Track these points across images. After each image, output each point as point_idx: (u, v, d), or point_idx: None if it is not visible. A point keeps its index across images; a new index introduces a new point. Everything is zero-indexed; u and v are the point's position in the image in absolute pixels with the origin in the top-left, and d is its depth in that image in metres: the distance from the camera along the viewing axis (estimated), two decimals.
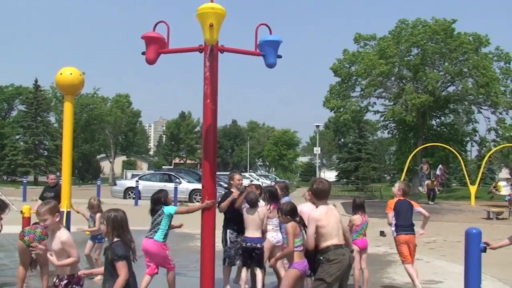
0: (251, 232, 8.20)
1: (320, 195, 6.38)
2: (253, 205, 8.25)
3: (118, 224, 5.26)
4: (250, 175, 54.05)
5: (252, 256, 8.16)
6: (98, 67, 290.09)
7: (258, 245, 8.14)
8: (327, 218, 6.15)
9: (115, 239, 5.20)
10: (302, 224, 6.48)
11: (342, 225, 6.35)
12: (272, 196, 8.48)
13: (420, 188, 35.06)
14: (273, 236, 8.36)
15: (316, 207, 6.40)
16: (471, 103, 42.57)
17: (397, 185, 9.40)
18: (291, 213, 6.55)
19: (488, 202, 32.38)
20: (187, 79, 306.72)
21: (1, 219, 8.44)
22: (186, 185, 30.78)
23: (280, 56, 7.58)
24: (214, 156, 7.84)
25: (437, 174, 34.55)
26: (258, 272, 8.16)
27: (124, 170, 73.95)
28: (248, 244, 8.16)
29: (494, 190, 33.76)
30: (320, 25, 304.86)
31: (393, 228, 8.96)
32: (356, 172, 56.60)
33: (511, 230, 15.97)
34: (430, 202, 31.67)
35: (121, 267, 5.08)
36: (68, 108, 9.36)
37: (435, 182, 32.83)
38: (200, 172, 39.39)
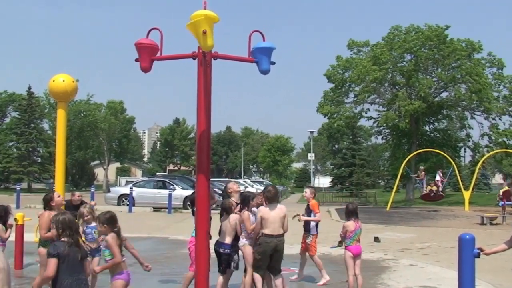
0: (222, 238, 8.38)
1: (270, 199, 8.10)
2: (226, 212, 8.41)
3: (67, 226, 5.40)
4: (245, 181, 53.98)
5: (221, 260, 8.35)
6: (92, 74, 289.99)
7: (227, 251, 8.28)
8: (269, 213, 7.94)
9: (62, 239, 5.37)
10: (118, 233, 6.49)
11: (284, 221, 8.07)
12: (244, 202, 8.53)
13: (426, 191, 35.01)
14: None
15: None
16: (464, 109, 42.78)
17: (308, 190, 10.29)
18: (109, 221, 6.46)
19: (482, 207, 32.44)
20: (181, 85, 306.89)
21: (11, 226, 8.42)
22: (180, 192, 30.69)
23: (273, 63, 7.60)
24: (208, 162, 7.83)
25: (437, 180, 34.60)
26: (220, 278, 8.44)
27: (118, 177, 73.74)
28: (220, 249, 8.32)
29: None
30: (314, 32, 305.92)
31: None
32: (350, 178, 56.69)
33: (505, 235, 16.02)
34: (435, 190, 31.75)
35: (48, 264, 5.17)
36: (61, 115, 9.36)
37: (434, 187, 32.85)
38: (195, 178, 39.21)
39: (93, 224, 8.12)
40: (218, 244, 8.41)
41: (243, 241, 8.45)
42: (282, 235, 8.08)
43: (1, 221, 8.25)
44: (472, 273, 5.76)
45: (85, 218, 8.48)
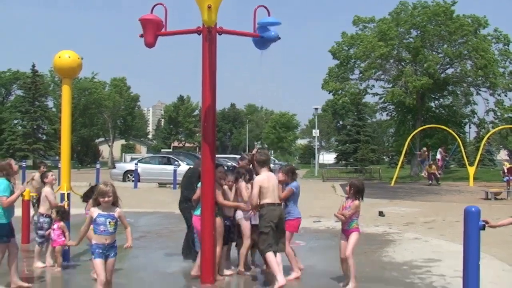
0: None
1: (262, 164, 7.77)
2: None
3: None
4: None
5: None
6: (96, 52, 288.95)
7: (226, 223, 8.42)
8: (268, 182, 7.59)
9: None
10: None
11: (278, 188, 7.80)
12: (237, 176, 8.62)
13: (422, 174, 35.09)
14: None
15: (259, 173, 7.72)
16: (469, 85, 42.53)
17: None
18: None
19: (487, 183, 32.45)
20: (186, 62, 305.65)
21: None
22: (185, 168, 30.75)
23: (279, 38, 7.58)
24: (213, 137, 7.87)
25: (437, 158, 34.58)
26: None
27: (123, 154, 74.06)
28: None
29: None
30: (319, 8, 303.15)
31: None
32: (355, 154, 56.62)
33: (509, 210, 16.07)
34: (430, 182, 31.82)
35: None
36: (66, 92, 9.36)
37: (433, 166, 32.85)
38: (199, 155, 39.30)
39: None
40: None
41: (240, 214, 8.54)
42: (281, 204, 7.86)
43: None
44: (477, 246, 5.79)
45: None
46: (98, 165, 33.87)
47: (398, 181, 34.37)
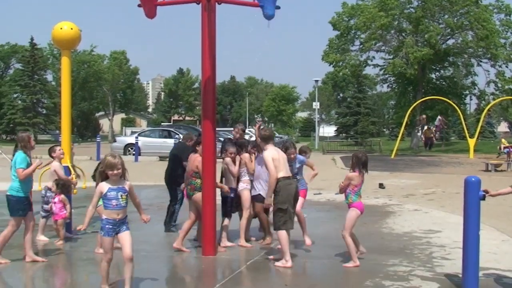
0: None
1: (267, 140, 7.64)
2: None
3: None
4: (250, 131, 54.05)
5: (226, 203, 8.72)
6: (94, 24, 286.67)
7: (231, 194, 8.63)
8: (278, 156, 7.46)
9: None
10: None
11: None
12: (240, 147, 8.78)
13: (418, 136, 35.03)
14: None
15: (265, 149, 7.56)
16: (470, 56, 42.26)
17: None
18: None
19: (487, 155, 32.51)
20: (185, 35, 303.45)
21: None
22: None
23: (278, 7, 7.47)
24: (213, 108, 7.84)
25: (436, 124, 34.52)
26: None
27: (123, 127, 73.99)
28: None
29: (503, 149, 33.74)
30: None
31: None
32: (355, 127, 56.56)
33: (509, 181, 16.08)
34: (426, 149, 31.98)
35: None
36: (65, 63, 9.30)
37: (432, 129, 32.77)
38: (200, 128, 39.29)
39: None
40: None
41: (243, 185, 8.57)
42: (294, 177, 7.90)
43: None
44: (477, 215, 5.81)
45: None
46: (98, 139, 33.81)
47: (398, 153, 34.40)
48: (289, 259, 7.17)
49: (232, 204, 8.57)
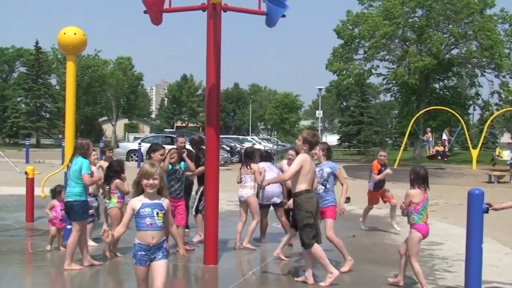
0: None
1: (311, 146, 6.98)
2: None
3: None
4: (252, 138, 54.04)
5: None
6: (99, 29, 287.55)
7: None
8: (310, 167, 6.83)
9: None
10: None
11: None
12: (249, 156, 9.19)
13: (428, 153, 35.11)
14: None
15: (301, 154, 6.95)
16: (474, 66, 42.29)
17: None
18: None
19: (490, 166, 32.44)
20: (190, 41, 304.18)
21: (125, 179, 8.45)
22: (189, 147, 30.78)
23: (284, 16, 7.48)
24: (217, 118, 7.82)
25: (443, 139, 34.53)
26: None
27: (126, 133, 74.10)
28: None
29: (496, 157, 33.75)
30: None
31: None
32: (358, 136, 56.63)
33: None
34: (439, 158, 32.20)
35: None
36: (70, 68, 9.30)
37: (440, 148, 32.92)
38: (203, 135, 39.21)
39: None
40: None
41: (249, 191, 8.69)
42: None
43: (118, 176, 8.33)
44: (480, 228, 5.76)
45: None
46: (101, 144, 33.85)
47: (401, 164, 34.31)
48: (333, 269, 6.79)
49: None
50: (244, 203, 8.92)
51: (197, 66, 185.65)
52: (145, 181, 4.75)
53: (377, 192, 11.15)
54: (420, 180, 6.72)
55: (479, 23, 38.38)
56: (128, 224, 4.87)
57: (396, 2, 40.01)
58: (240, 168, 9.12)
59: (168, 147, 10.44)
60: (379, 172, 10.89)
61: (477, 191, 5.74)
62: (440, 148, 32.82)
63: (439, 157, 32.47)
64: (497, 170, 26.67)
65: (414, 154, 43.02)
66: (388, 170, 10.98)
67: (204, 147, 9.42)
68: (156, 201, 4.80)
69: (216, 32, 7.31)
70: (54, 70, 63.49)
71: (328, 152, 8.05)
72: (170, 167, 8.13)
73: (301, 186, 6.75)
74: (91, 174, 7.65)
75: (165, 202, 4.85)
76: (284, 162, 9.44)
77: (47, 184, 9.85)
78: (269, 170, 9.05)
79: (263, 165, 9.18)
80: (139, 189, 4.82)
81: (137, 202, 4.78)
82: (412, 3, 39.92)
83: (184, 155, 8.72)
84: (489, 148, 59.24)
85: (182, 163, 8.54)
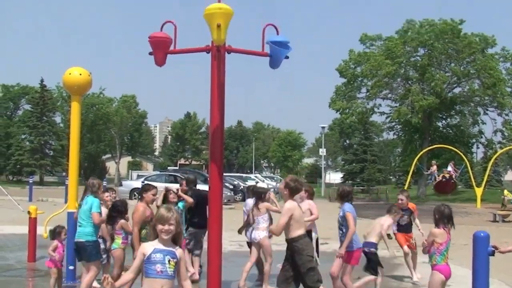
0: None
1: (293, 193, 7.00)
2: None
3: None
4: (256, 176, 53.99)
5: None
6: (104, 67, 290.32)
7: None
8: (299, 210, 6.88)
9: None
10: None
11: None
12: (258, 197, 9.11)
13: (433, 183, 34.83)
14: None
15: (287, 202, 6.93)
16: (477, 104, 42.50)
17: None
18: None
19: (494, 204, 32.21)
20: (193, 79, 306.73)
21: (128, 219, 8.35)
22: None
23: (287, 57, 7.55)
24: (221, 158, 7.80)
25: (449, 170, 34.36)
26: None
27: (130, 171, 74.08)
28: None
29: (506, 200, 33.44)
30: (326, 25, 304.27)
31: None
32: (362, 174, 56.46)
33: None
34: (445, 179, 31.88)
35: None
36: (75, 109, 9.36)
37: (447, 174, 32.64)
38: (206, 173, 39.48)
39: None
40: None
41: (262, 233, 8.70)
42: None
43: (122, 216, 8.27)
44: (486, 271, 5.71)
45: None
46: (105, 182, 33.83)
47: None
48: None
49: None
50: (257, 245, 8.88)
51: (201, 103, 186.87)
52: (160, 226, 4.48)
53: (403, 234, 10.86)
54: (445, 219, 6.63)
55: (481, 62, 38.74)
56: (137, 269, 4.58)
57: (397, 42, 40.49)
58: (252, 210, 9.02)
59: (171, 185, 10.47)
60: (400, 216, 10.45)
61: (482, 234, 5.70)
62: (447, 174, 32.55)
63: (444, 180, 32.07)
64: (501, 209, 26.51)
65: (418, 193, 42.86)
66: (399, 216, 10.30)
67: (196, 188, 9.57)
68: (170, 248, 4.52)
69: (220, 73, 7.36)
70: (58, 108, 63.93)
71: (309, 194, 9.01)
72: None
73: (298, 232, 6.77)
74: (101, 214, 7.63)
75: (178, 251, 4.57)
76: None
77: (50, 223, 9.81)
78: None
79: (251, 202, 9.18)
80: (155, 234, 4.54)
81: (149, 247, 4.51)
82: (414, 42, 40.36)
83: (179, 192, 8.79)
84: (493, 186, 59.03)
85: (180, 203, 8.56)
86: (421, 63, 41.01)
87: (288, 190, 6.94)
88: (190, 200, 8.89)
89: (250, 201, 9.24)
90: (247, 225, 9.02)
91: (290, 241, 6.89)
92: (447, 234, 6.57)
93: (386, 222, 8.76)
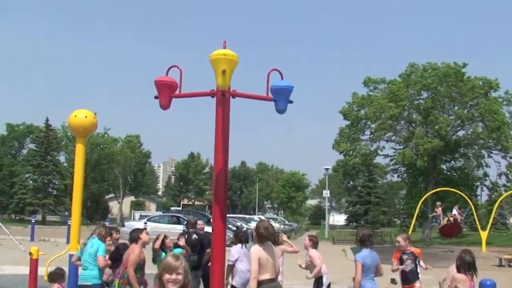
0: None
1: (262, 239, 7.09)
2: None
3: None
4: (259, 217, 53.71)
5: None
6: (108, 107, 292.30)
7: None
8: (266, 255, 6.88)
9: None
10: None
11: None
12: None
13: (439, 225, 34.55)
14: None
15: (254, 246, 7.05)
16: (481, 147, 42.49)
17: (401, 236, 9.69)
18: None
19: (499, 248, 31.88)
20: (197, 119, 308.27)
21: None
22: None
23: (291, 102, 7.61)
24: (225, 201, 7.79)
25: (454, 213, 34.16)
26: None
27: (132, 211, 73.79)
28: None
29: None
30: (330, 68, 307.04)
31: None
32: (366, 216, 56.22)
33: None
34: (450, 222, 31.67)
35: None
36: (80, 150, 9.42)
37: (451, 218, 32.42)
38: (209, 214, 39.23)
39: None
40: None
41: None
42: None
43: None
44: None
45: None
46: (107, 222, 33.74)
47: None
48: None
49: None
50: None
51: (204, 143, 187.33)
52: (167, 276, 4.04)
53: (409, 286, 10.23)
54: (465, 265, 6.44)
55: (485, 105, 38.91)
56: None
57: (401, 85, 40.77)
58: None
59: (175, 226, 10.48)
60: (401, 262, 10.08)
61: (488, 282, 5.65)
62: (452, 218, 32.29)
63: (449, 223, 31.79)
64: (507, 252, 26.21)
65: (423, 235, 42.50)
66: (402, 266, 10.01)
67: (193, 230, 9.57)
68: None
69: (225, 117, 7.41)
70: (63, 147, 64.14)
71: (313, 243, 9.16)
72: (163, 254, 8.15)
73: (263, 276, 6.78)
74: (105, 258, 7.65)
75: None
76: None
77: (51, 265, 9.74)
78: (240, 260, 8.72)
79: (236, 250, 8.93)
80: (161, 285, 4.08)
81: None
82: (417, 86, 40.63)
83: (180, 242, 8.79)
84: (498, 229, 58.53)
85: (177, 249, 8.54)
86: (424, 106, 41.18)
87: (257, 235, 7.10)
88: (189, 250, 8.85)
89: (236, 249, 8.97)
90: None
91: (258, 284, 6.92)
92: (470, 281, 6.32)
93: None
